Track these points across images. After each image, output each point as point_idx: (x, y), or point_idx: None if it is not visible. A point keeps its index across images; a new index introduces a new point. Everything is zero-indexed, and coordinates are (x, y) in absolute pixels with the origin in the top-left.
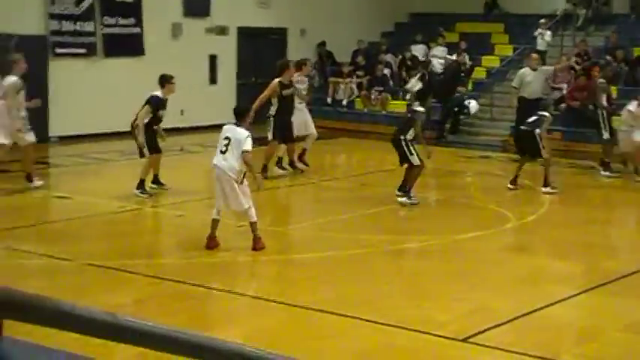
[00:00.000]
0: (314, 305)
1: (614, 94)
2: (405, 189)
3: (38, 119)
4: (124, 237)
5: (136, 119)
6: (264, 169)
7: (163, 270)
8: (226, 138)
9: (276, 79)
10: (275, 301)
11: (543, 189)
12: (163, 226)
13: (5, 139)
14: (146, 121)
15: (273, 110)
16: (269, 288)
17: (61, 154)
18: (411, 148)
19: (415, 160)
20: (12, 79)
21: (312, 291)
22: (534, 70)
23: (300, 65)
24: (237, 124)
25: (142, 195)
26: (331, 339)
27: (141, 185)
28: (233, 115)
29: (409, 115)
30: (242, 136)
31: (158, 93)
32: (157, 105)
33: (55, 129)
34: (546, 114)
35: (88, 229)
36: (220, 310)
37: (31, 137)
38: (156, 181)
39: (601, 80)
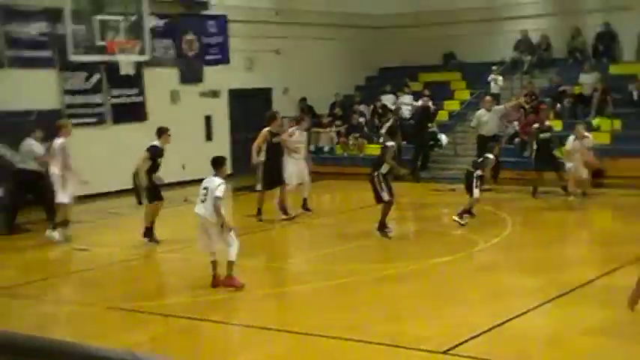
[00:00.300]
0: (311, 331)
1: (560, 128)
2: (380, 224)
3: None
4: (138, 281)
5: (136, 169)
6: (259, 212)
7: (174, 308)
8: (205, 188)
9: (266, 129)
10: (277, 330)
11: (455, 217)
12: (172, 269)
13: (65, 199)
14: (146, 168)
15: (262, 156)
16: (270, 318)
17: (78, 211)
18: (383, 184)
19: (385, 196)
20: (60, 141)
21: (308, 319)
22: (489, 110)
23: (298, 120)
24: (215, 175)
25: (150, 243)
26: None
27: (148, 233)
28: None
29: (381, 151)
30: (214, 184)
31: (156, 143)
32: (155, 153)
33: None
34: (490, 156)
35: (106, 277)
36: (229, 341)
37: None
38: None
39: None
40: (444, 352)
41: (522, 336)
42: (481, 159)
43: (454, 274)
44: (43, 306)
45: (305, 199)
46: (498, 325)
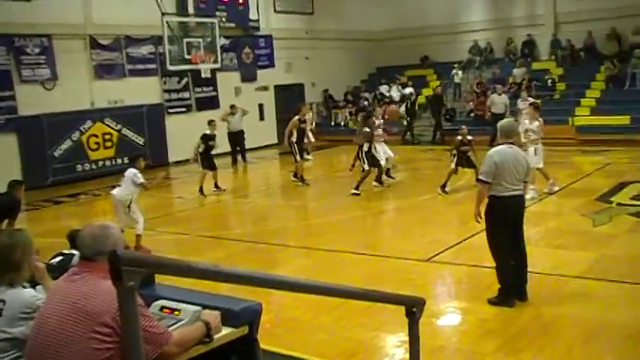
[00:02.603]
0: (335, 248)
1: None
2: (379, 179)
3: (161, 152)
4: (218, 217)
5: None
6: (302, 178)
7: (242, 235)
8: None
9: (296, 117)
10: (312, 248)
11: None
12: (239, 209)
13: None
14: (201, 150)
15: (294, 138)
16: (309, 240)
17: (177, 172)
18: (363, 156)
19: (365, 167)
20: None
21: (334, 240)
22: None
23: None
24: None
25: (216, 190)
26: (348, 267)
27: (201, 190)
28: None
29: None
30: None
31: (207, 131)
32: (205, 138)
33: (171, 157)
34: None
35: (197, 215)
36: (278, 257)
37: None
38: (216, 186)
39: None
40: (427, 260)
41: (478, 248)
42: None
43: (433, 207)
44: (157, 235)
45: (388, 169)
46: (462, 241)
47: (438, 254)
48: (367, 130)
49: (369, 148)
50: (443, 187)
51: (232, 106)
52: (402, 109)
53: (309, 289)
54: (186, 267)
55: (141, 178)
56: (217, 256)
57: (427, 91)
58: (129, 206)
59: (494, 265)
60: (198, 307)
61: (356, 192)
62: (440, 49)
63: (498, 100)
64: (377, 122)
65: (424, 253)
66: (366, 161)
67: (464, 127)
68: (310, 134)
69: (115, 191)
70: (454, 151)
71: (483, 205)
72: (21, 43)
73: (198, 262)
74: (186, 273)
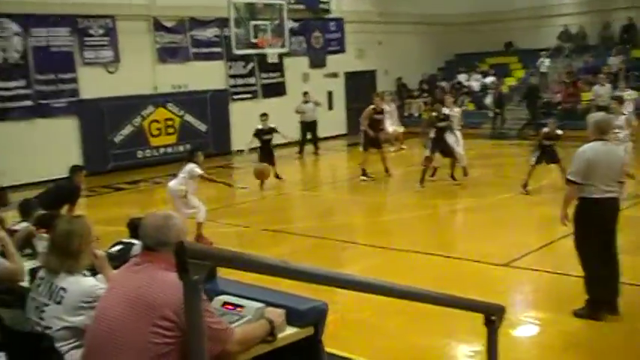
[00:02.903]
0: (406, 248)
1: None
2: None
3: (224, 140)
4: (282, 210)
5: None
6: (364, 172)
7: (307, 230)
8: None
9: (371, 106)
10: (380, 247)
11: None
12: (303, 202)
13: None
14: (255, 145)
15: (363, 127)
16: (377, 238)
17: (240, 161)
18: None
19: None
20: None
21: (404, 239)
22: None
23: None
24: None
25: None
26: (419, 269)
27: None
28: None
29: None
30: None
31: (259, 125)
32: (259, 134)
33: (234, 145)
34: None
35: (259, 207)
36: (344, 255)
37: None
38: (276, 176)
39: None
40: (505, 265)
41: (563, 253)
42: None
43: (513, 207)
44: (218, 227)
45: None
46: (545, 245)
47: (518, 258)
48: (434, 114)
49: (437, 136)
50: (524, 185)
51: (305, 93)
52: (489, 99)
53: (382, 291)
54: (254, 262)
55: (199, 170)
56: (281, 252)
57: (510, 81)
58: (185, 196)
59: (582, 273)
60: (262, 304)
61: (420, 185)
62: (525, 34)
63: (603, 92)
64: (446, 111)
65: (503, 257)
66: (429, 148)
67: (552, 120)
68: (387, 125)
69: (170, 183)
70: (537, 145)
71: (571, 208)
72: (85, 25)
73: (266, 258)
74: (253, 268)
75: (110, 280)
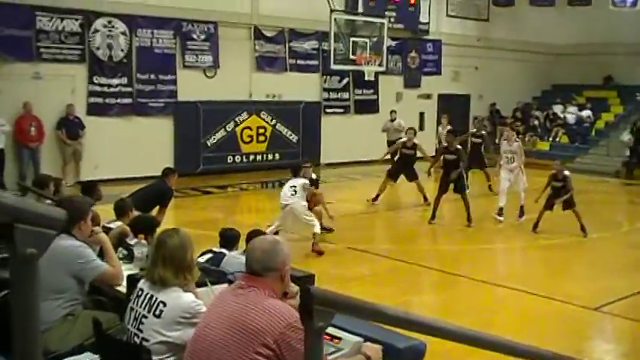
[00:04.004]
0: (488, 280)
1: None
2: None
3: (314, 151)
4: (367, 229)
5: None
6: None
7: (389, 251)
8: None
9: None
10: (462, 276)
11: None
12: (387, 222)
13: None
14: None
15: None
16: (459, 267)
17: (328, 174)
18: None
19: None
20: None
21: (486, 270)
22: None
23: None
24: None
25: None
26: (503, 303)
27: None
28: None
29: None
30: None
31: (403, 138)
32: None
33: (324, 158)
34: None
35: (346, 224)
36: (424, 280)
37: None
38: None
39: None
40: (595, 309)
41: None
42: None
43: (605, 247)
44: (302, 242)
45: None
46: (638, 293)
47: (608, 304)
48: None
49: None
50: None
51: (392, 112)
52: (626, 135)
53: (504, 350)
54: (378, 312)
55: (309, 187)
56: (361, 272)
57: (607, 116)
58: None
59: None
60: (360, 339)
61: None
62: (627, 69)
63: None
64: (504, 145)
65: (592, 300)
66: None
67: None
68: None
69: (292, 203)
70: None
71: None
72: (188, 29)
73: (389, 308)
74: (377, 318)
75: (213, 301)
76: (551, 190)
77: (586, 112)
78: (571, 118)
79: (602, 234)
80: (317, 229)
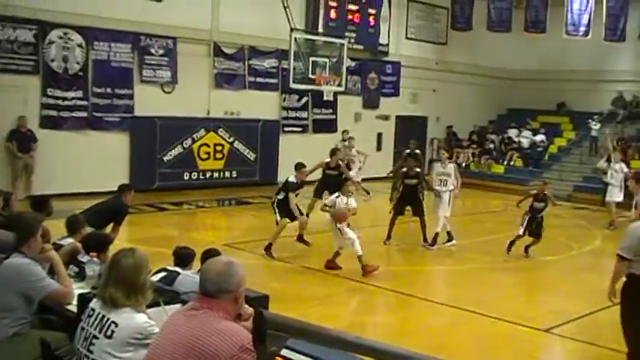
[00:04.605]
0: (441, 301)
1: None
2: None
3: (271, 170)
4: (322, 249)
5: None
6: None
7: (344, 271)
8: None
9: (325, 160)
10: (416, 297)
11: None
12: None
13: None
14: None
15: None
16: (413, 288)
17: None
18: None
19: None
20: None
21: (439, 291)
22: None
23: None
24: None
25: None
26: (456, 325)
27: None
28: None
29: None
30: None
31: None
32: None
33: (281, 177)
34: None
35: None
36: (379, 301)
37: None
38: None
39: None
40: (546, 330)
41: (608, 326)
42: None
43: (555, 270)
44: (263, 261)
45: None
46: (588, 314)
47: (559, 325)
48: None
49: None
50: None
51: (344, 132)
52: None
53: None
54: (331, 337)
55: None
56: (318, 292)
57: (560, 141)
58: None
59: (624, 349)
60: None
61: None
62: (579, 96)
63: None
64: (437, 168)
65: (543, 322)
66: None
67: (543, 182)
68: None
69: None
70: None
71: (619, 283)
72: (146, 43)
73: (343, 332)
74: (330, 343)
75: (165, 322)
76: (531, 212)
77: (540, 137)
78: (525, 142)
79: (553, 257)
80: (358, 249)
